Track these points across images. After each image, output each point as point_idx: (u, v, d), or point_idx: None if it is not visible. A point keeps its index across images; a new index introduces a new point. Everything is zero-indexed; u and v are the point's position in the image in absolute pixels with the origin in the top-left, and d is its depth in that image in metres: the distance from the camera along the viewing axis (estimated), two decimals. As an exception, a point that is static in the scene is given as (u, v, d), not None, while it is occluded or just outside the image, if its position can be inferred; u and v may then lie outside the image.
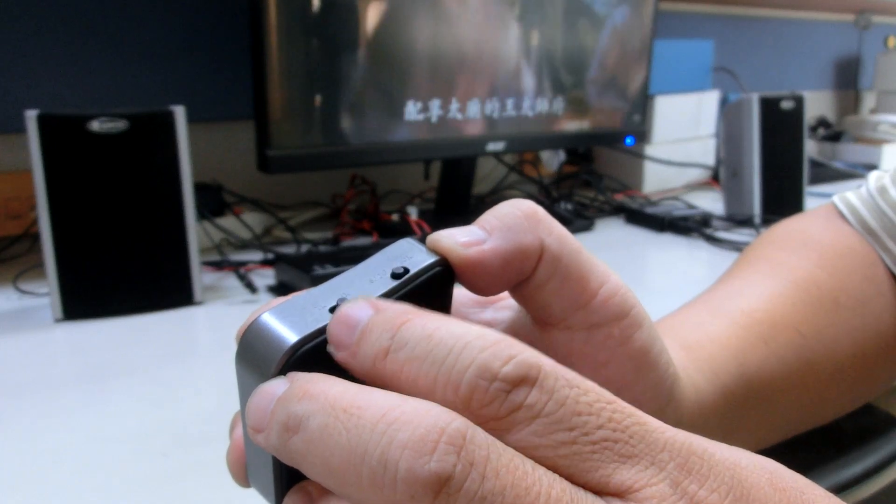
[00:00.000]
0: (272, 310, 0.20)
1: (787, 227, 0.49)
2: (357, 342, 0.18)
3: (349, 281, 0.21)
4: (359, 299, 0.19)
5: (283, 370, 0.18)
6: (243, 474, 0.22)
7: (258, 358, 0.19)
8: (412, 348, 0.17)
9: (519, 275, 0.23)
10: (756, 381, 0.36)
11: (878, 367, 0.44)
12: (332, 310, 0.20)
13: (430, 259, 0.22)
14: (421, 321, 0.18)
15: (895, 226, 0.45)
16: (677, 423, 0.26)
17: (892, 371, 0.46)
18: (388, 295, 0.21)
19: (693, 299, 0.42)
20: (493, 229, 0.22)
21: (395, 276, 0.21)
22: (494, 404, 0.16)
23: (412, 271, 0.21)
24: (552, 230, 0.23)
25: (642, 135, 1.22)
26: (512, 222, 0.22)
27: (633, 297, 0.25)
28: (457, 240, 0.22)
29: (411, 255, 0.22)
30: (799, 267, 0.43)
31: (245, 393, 0.20)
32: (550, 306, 0.24)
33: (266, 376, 0.19)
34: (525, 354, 0.17)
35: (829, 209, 0.49)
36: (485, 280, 0.22)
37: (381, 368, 0.18)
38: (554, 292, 0.23)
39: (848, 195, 0.49)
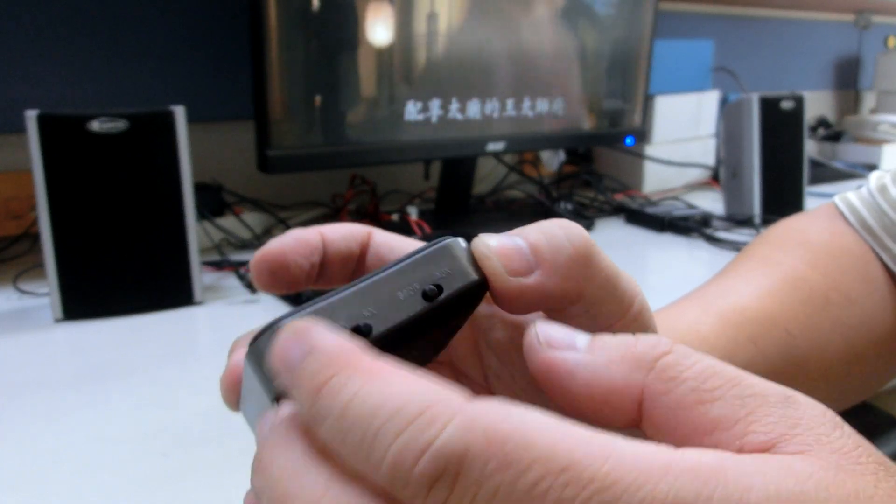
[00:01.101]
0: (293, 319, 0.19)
1: (786, 226, 0.49)
2: (291, 389, 0.17)
3: (377, 290, 0.20)
4: (298, 326, 0.17)
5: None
6: (235, 401, 0.22)
7: (263, 372, 0.19)
8: (329, 426, 0.16)
9: (551, 308, 0.23)
10: None
11: (870, 365, 0.44)
12: (354, 329, 0.19)
13: (469, 279, 0.21)
14: (338, 384, 0.16)
15: (894, 224, 0.46)
16: None
17: (886, 370, 0.46)
18: (411, 322, 0.20)
19: (687, 294, 0.42)
20: (541, 262, 0.21)
21: (426, 295, 0.20)
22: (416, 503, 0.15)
23: (444, 294, 0.21)
24: (596, 277, 0.22)
25: (642, 135, 1.22)
26: (562, 262, 0.21)
27: (652, 320, 0.24)
28: (502, 263, 0.21)
29: (450, 265, 0.21)
30: (791, 266, 0.44)
31: (247, 389, 0.20)
32: (577, 326, 0.24)
33: (267, 394, 0.18)
34: (444, 439, 0.14)
35: (829, 209, 0.50)
36: (517, 307, 0.22)
37: (315, 434, 0.17)
38: (583, 324, 0.23)
39: (848, 195, 0.49)
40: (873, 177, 0.49)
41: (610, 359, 0.18)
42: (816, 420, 0.17)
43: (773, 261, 0.44)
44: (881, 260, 0.46)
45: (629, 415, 0.18)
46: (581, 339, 0.19)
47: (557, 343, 0.19)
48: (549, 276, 0.21)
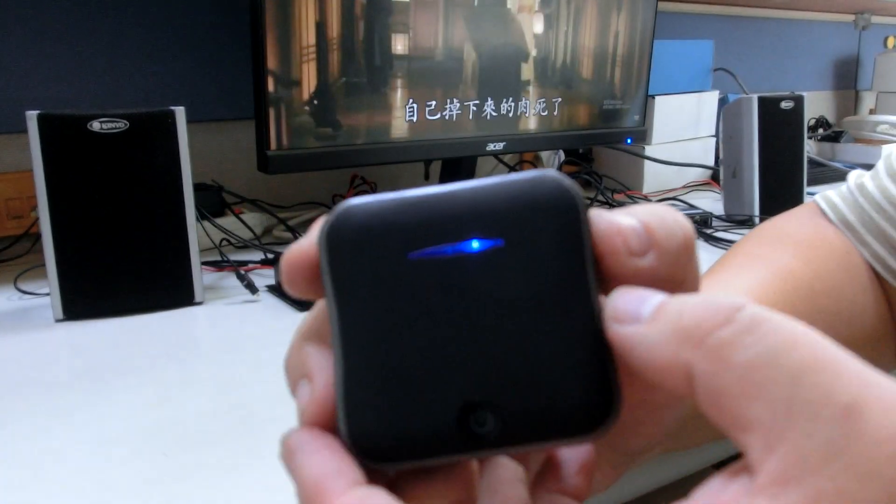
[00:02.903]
0: None
1: (769, 224, 0.52)
2: None
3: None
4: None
5: None
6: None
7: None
8: None
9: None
10: None
11: (856, 355, 0.45)
12: None
13: None
14: None
15: (872, 220, 0.47)
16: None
17: (872, 362, 0.46)
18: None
19: None
20: (654, 244, 0.20)
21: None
22: None
23: None
24: (695, 266, 0.21)
25: (642, 135, 1.22)
26: (674, 247, 0.20)
27: None
28: (622, 241, 0.20)
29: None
30: (777, 258, 0.45)
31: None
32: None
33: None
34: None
35: (811, 207, 0.52)
36: None
37: None
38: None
39: (829, 193, 0.51)
40: (852, 175, 0.51)
41: (663, 332, 0.18)
42: (873, 450, 0.15)
43: (757, 255, 0.46)
44: (859, 253, 0.47)
45: (682, 390, 0.18)
46: (648, 306, 0.19)
47: (622, 315, 0.19)
48: (661, 259, 0.20)
